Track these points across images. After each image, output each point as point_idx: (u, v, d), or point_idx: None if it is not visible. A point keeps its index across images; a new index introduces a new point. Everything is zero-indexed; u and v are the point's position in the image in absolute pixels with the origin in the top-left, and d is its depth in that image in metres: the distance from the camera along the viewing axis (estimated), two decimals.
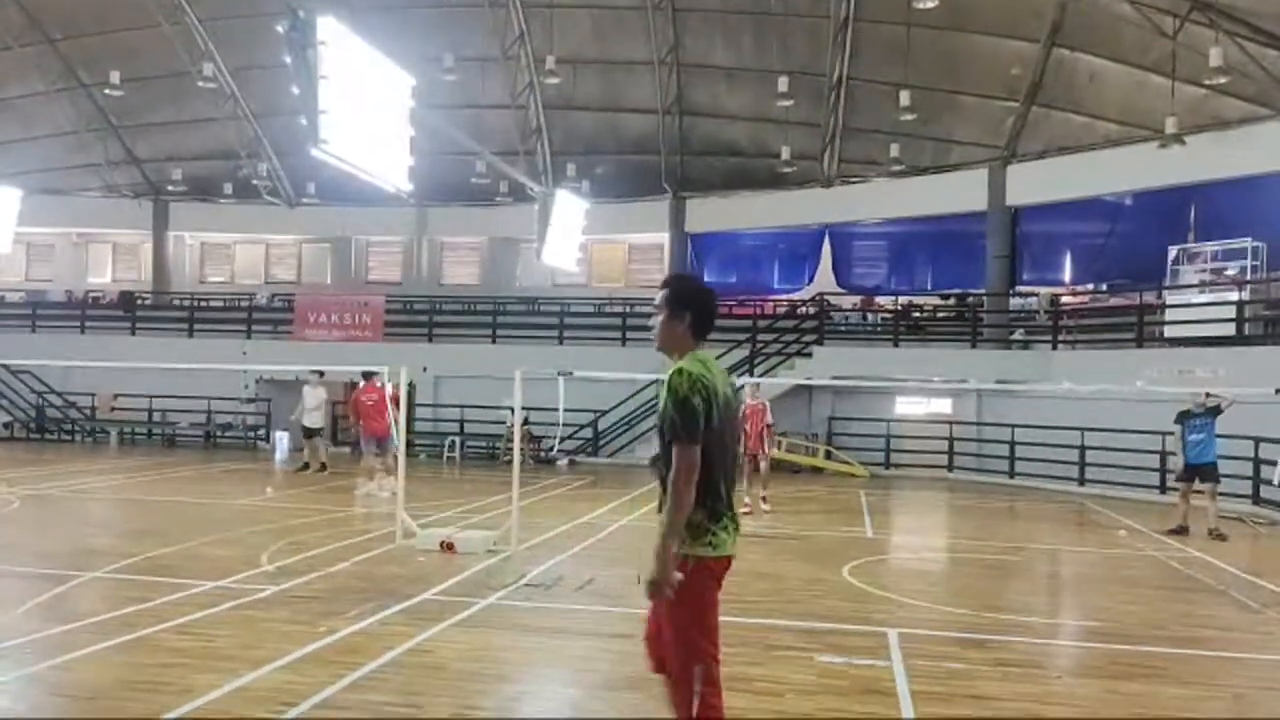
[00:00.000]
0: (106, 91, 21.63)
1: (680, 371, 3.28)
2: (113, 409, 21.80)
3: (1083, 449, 15.94)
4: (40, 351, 21.27)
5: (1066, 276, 20.46)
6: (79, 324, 23.24)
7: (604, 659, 5.57)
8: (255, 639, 5.73)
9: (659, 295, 3.54)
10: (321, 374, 15.82)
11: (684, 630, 3.32)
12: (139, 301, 24.85)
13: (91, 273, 27.81)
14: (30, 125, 24.27)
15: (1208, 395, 11.18)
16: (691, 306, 3.46)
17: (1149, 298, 17.71)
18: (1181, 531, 11.01)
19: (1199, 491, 11.10)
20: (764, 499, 12.41)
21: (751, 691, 4.92)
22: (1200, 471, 10.95)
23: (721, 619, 6.19)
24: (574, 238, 13.41)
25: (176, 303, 24.87)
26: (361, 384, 13.53)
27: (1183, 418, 11.14)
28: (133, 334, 22.73)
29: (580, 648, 5.83)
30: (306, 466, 15.70)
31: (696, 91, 21.84)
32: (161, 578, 7.41)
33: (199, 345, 21.55)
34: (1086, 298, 20.43)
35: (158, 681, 4.90)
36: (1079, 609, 7.82)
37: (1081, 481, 15.90)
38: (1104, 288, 20.12)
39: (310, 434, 15.81)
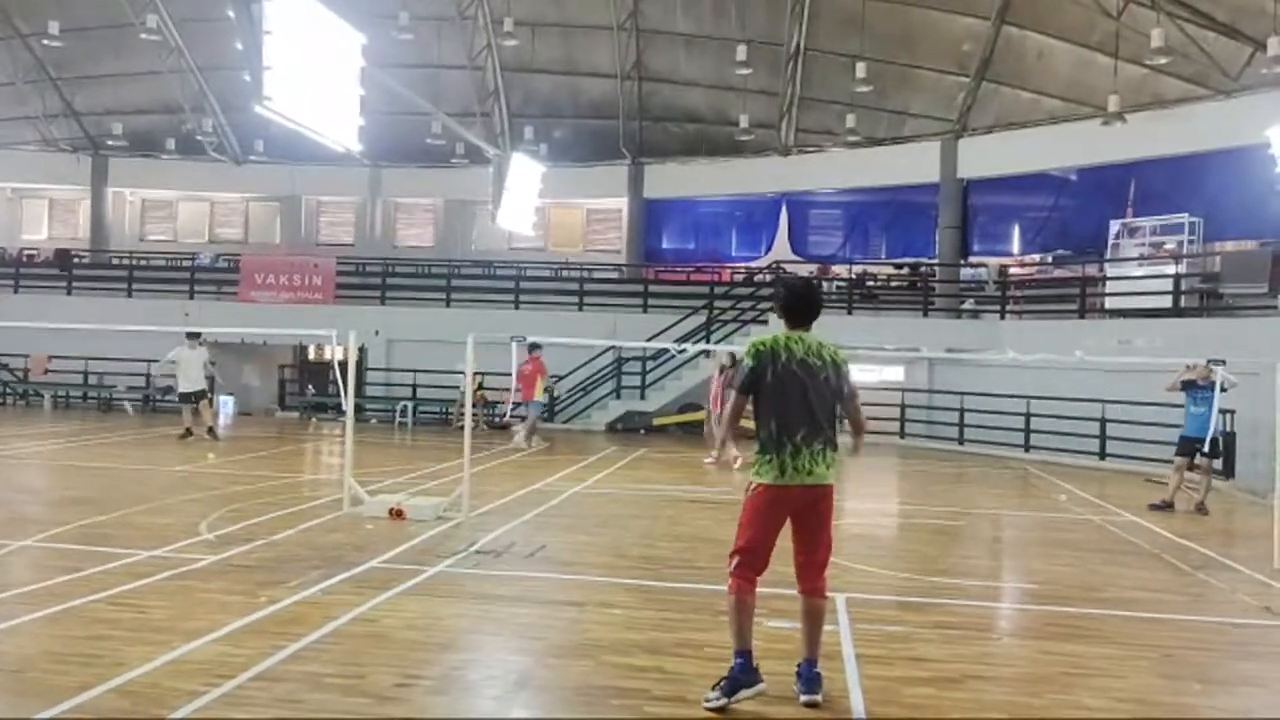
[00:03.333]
0: (45, 42, 20.65)
1: (752, 342, 4.50)
2: (46, 371, 21.09)
3: (1028, 416, 16.34)
4: None
5: (1014, 248, 20.83)
6: (12, 283, 22.38)
7: (553, 626, 5.56)
8: (191, 610, 5.59)
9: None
10: (197, 335, 15.00)
11: (741, 524, 4.51)
12: (76, 260, 23.98)
13: (26, 230, 26.75)
14: None
15: (1210, 365, 10.09)
16: (779, 303, 4.79)
17: (1091, 270, 18.13)
18: (1167, 508, 10.53)
19: (1196, 466, 10.63)
20: (735, 459, 12.74)
21: (700, 658, 4.97)
22: (1199, 445, 10.39)
23: (666, 585, 6.22)
24: (530, 201, 13.30)
25: (116, 262, 24.04)
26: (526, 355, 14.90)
27: (1187, 387, 10.57)
28: (69, 294, 21.97)
29: (529, 615, 5.81)
30: (189, 433, 14.74)
31: (656, 57, 21.58)
32: (94, 547, 7.21)
33: (139, 306, 20.86)
34: (1033, 269, 20.83)
35: (88, 654, 4.76)
36: (1018, 572, 8.03)
37: (1026, 448, 16.31)
38: (1049, 259, 20.53)
39: (186, 398, 14.89)
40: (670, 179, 23.21)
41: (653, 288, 21.40)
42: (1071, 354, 12.57)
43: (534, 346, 14.96)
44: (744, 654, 4.33)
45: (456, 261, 23.11)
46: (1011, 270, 20.56)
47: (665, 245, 24.36)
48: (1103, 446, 15.08)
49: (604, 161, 23.13)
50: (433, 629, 5.43)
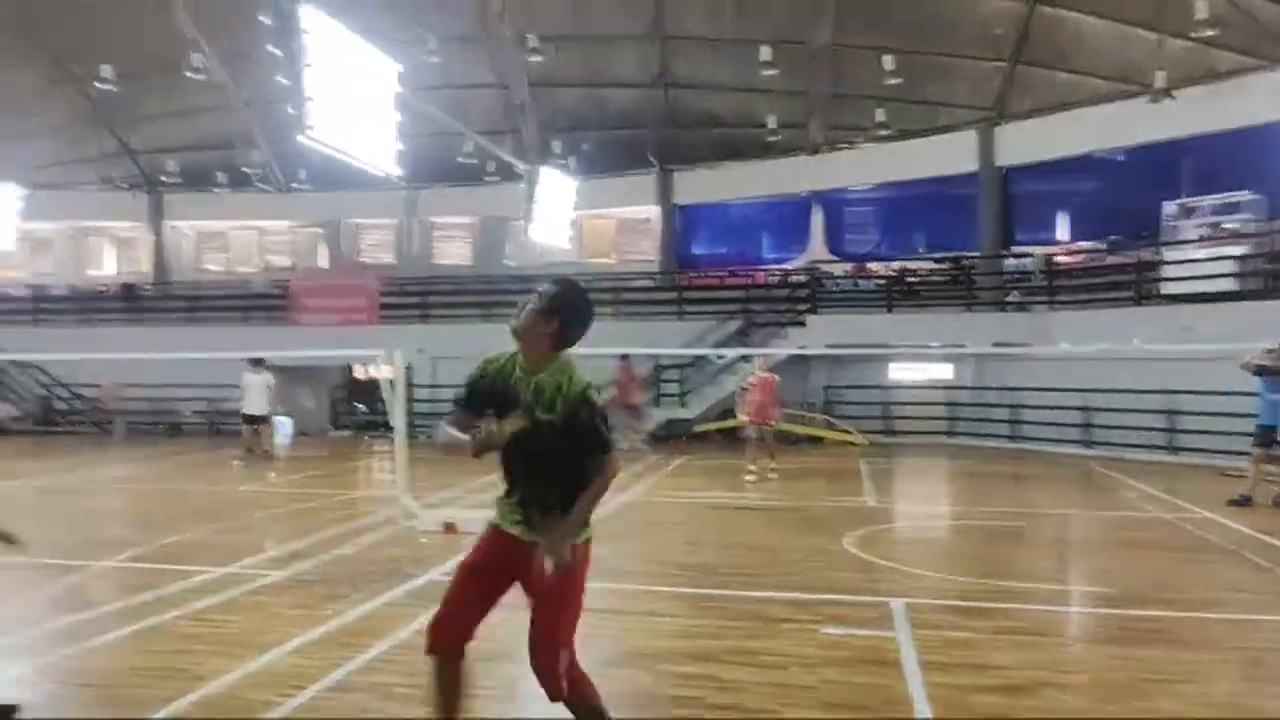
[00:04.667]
0: (98, 85, 21.44)
1: (588, 384, 3.40)
2: (118, 400, 21.83)
3: (1087, 410, 15.85)
4: (45, 345, 21.26)
5: (1060, 236, 20.40)
6: (82, 316, 23.28)
7: (605, 635, 5.63)
8: (264, 623, 5.80)
9: (543, 290, 3.45)
10: (260, 361, 15.47)
11: (571, 609, 3.56)
12: (140, 293, 24.83)
13: (92, 265, 27.74)
14: (25, 121, 24.02)
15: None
16: (576, 323, 3.45)
17: (1145, 255, 17.63)
18: (1245, 502, 9.96)
19: (1276, 457, 10.03)
20: (772, 470, 12.85)
21: (754, 665, 4.99)
22: (1278, 434, 9.87)
23: (721, 592, 6.20)
24: (564, 214, 13.44)
25: (176, 293, 24.83)
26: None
27: (1262, 372, 9.94)
28: (135, 325, 22.74)
29: (581, 624, 5.88)
30: (250, 451, 15.08)
31: (681, 64, 21.63)
32: (171, 565, 7.48)
33: (200, 333, 21.53)
34: (1082, 257, 20.40)
35: (171, 668, 4.97)
36: (1086, 574, 7.78)
37: (1088, 444, 15.82)
38: (1100, 246, 20.07)
39: (251, 420, 15.33)
40: (700, 184, 23.22)
41: (687, 294, 21.42)
42: (1130, 343, 12.17)
43: (624, 356, 16.60)
44: None
45: (494, 277, 23.40)
46: (1059, 259, 20.15)
47: (698, 251, 24.37)
48: (1171, 439, 14.54)
49: (633, 170, 23.23)
50: (490, 640, 5.49)
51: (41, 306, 23.93)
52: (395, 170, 8.05)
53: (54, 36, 21.95)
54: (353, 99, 7.40)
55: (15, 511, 10.60)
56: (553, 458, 3.41)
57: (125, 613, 6.05)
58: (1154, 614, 6.11)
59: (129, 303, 23.96)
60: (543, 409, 3.36)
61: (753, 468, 12.87)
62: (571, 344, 3.47)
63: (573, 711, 3.61)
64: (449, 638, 3.65)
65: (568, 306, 3.40)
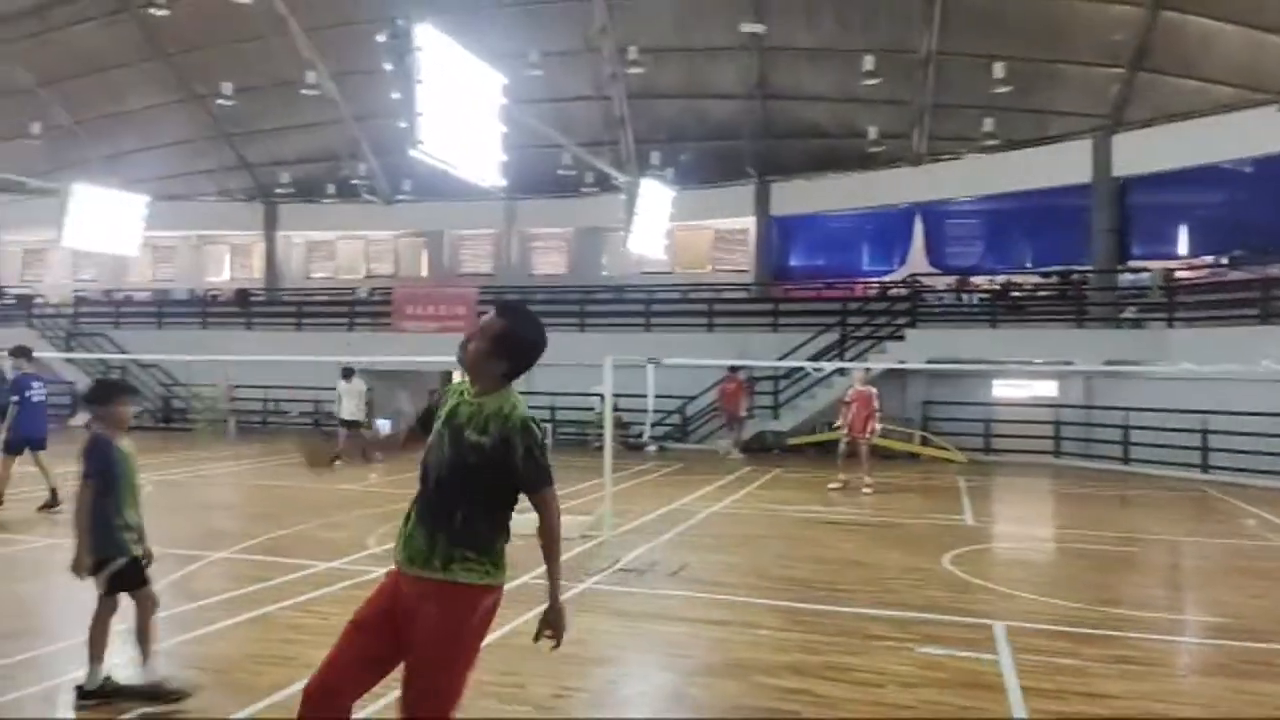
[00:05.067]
0: (219, 101, 22.86)
1: (527, 418, 3.13)
2: (231, 399, 23.05)
3: (1205, 433, 15.04)
4: (166, 346, 22.68)
5: (1181, 250, 19.33)
6: (200, 320, 24.71)
7: (700, 645, 5.62)
8: None
9: (489, 316, 3.28)
10: (351, 372, 16.03)
11: (464, 666, 3.08)
12: (253, 298, 26.21)
13: (210, 272, 29.42)
14: (151, 136, 25.84)
15: None
16: (520, 356, 3.23)
17: (1274, 271, 16.56)
18: None
19: None
20: (867, 485, 12.72)
21: (850, 682, 4.89)
22: None
23: (815, 607, 6.10)
24: (660, 225, 13.49)
25: (286, 299, 26.10)
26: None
27: None
28: (248, 329, 23.99)
29: (676, 633, 5.90)
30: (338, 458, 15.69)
31: (780, 75, 21.52)
32: (279, 558, 7.85)
33: (307, 338, 22.56)
34: (1204, 272, 19.25)
35: (282, 655, 5.22)
36: (1202, 603, 7.42)
37: (1204, 468, 15.02)
38: (1223, 261, 18.91)
39: (346, 425, 15.83)
40: (798, 195, 22.99)
41: (783, 306, 21.20)
42: (1256, 363, 11.51)
43: (734, 368, 17.33)
44: None
45: (589, 287, 23.69)
46: (1179, 274, 19.09)
47: (794, 262, 24.11)
48: None
49: (730, 182, 23.18)
50: (584, 644, 5.60)
51: (164, 310, 25.50)
52: (500, 181, 8.26)
53: (180, 57, 23.51)
54: (460, 113, 7.63)
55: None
56: (462, 475, 3.09)
57: (237, 602, 6.38)
58: (1272, 647, 5.78)
59: (242, 308, 25.29)
60: (475, 430, 3.10)
61: (843, 477, 13.05)
62: (519, 375, 3.25)
63: None
64: (319, 709, 3.11)
65: (515, 349, 3.20)
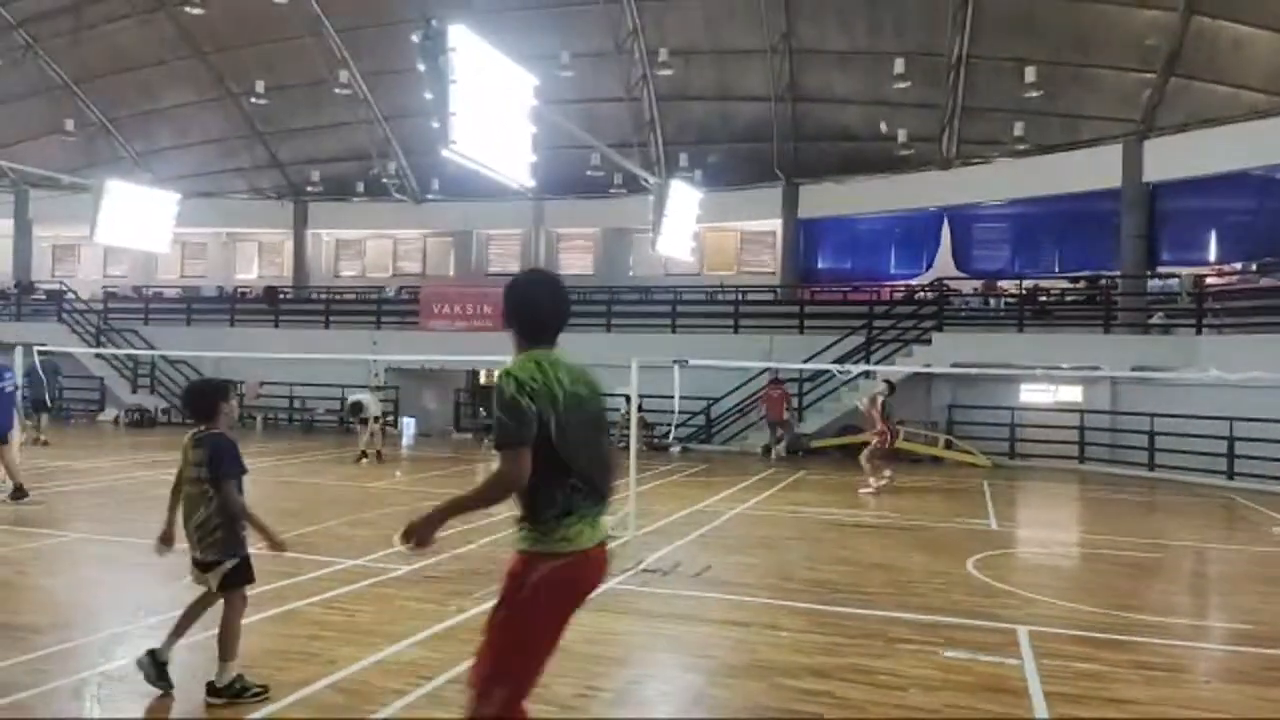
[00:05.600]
0: (252, 100, 23.19)
1: (505, 374, 3.02)
2: (258, 396, 23.37)
3: (1231, 440, 14.90)
4: (195, 343, 23.06)
5: (1211, 256, 19.09)
6: (229, 317, 25.04)
7: (723, 646, 5.66)
8: (392, 615, 6.10)
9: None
10: (360, 406, 15.87)
11: (505, 637, 3.04)
12: (281, 296, 26.54)
13: (239, 269, 29.80)
14: (184, 133, 26.27)
15: None
16: (514, 314, 3.18)
17: None
18: None
19: None
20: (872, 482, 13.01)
21: (873, 684, 4.91)
22: None
23: (839, 610, 6.08)
24: (688, 227, 13.55)
25: (314, 297, 26.40)
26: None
27: None
28: (276, 326, 24.29)
29: (699, 634, 5.94)
30: (364, 455, 15.57)
31: (809, 77, 21.50)
32: (306, 555, 7.94)
33: (334, 336, 22.83)
34: (1234, 278, 18.99)
35: (306, 652, 5.30)
36: (1227, 610, 7.37)
37: (1230, 475, 14.88)
38: (1253, 267, 18.65)
39: (363, 419, 15.90)
40: (825, 198, 22.95)
41: (809, 308, 21.17)
42: None
43: (776, 378, 18.17)
44: None
45: (616, 287, 23.78)
46: (1209, 280, 18.85)
47: (821, 265, 24.06)
48: None
49: (758, 184, 23.18)
50: (608, 644, 5.66)
51: (193, 307, 25.86)
52: (529, 182, 8.35)
53: (215, 55, 23.87)
54: (492, 113, 7.73)
55: (162, 500, 11.48)
56: None
57: (264, 598, 6.44)
58: None
59: (270, 305, 25.61)
60: None
61: (871, 481, 13.19)
62: (537, 340, 3.14)
63: None
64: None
65: (511, 309, 3.18)
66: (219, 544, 4.62)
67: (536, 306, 3.18)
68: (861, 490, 12.93)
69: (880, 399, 13.40)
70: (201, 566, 4.64)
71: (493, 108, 7.78)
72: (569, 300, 3.29)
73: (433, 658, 5.23)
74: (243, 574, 4.72)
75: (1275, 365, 11.93)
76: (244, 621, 5.86)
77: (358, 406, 15.90)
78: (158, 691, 4.59)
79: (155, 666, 4.58)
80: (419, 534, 3.08)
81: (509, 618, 3.04)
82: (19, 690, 4.49)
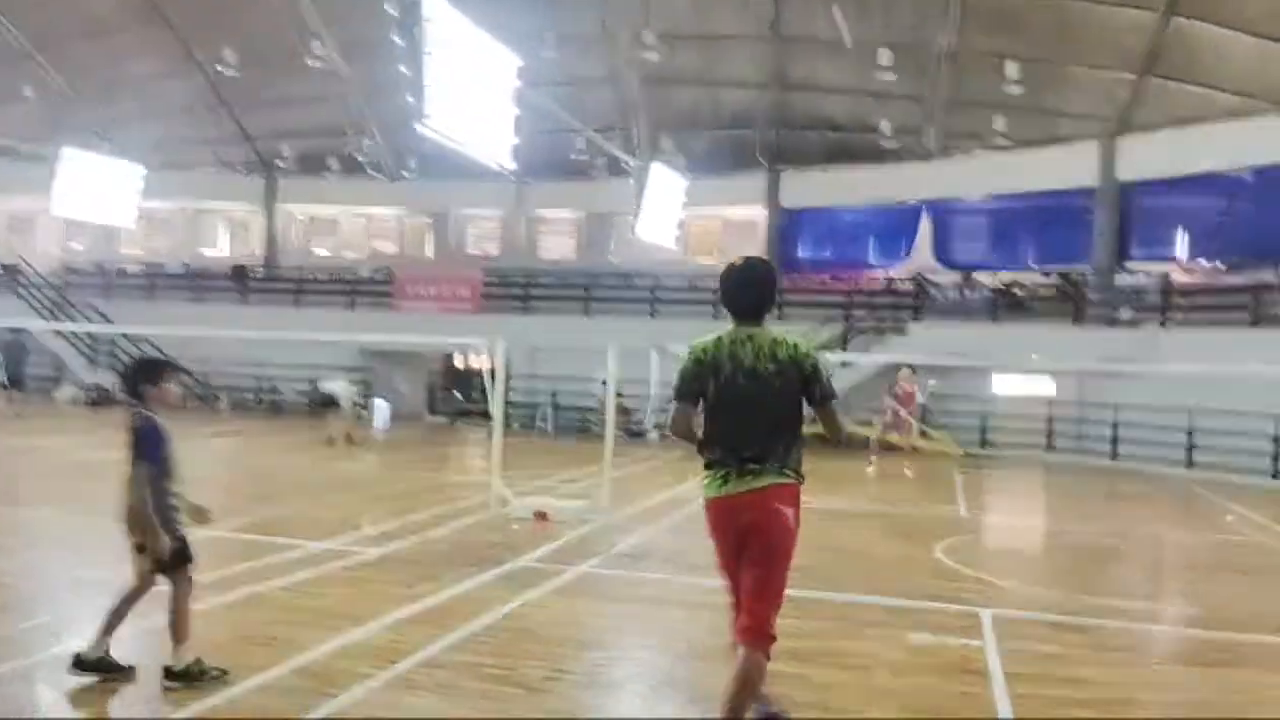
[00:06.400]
0: (220, 70, 22.53)
1: (692, 342, 3.84)
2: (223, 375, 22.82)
3: (1190, 431, 15.22)
4: (158, 320, 22.59)
5: (1179, 254, 19.38)
6: (194, 294, 24.55)
7: (693, 629, 5.67)
8: (358, 599, 6.00)
9: None
10: (332, 401, 15.95)
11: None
12: (250, 274, 26.08)
13: (206, 245, 29.23)
14: (149, 103, 25.46)
15: None
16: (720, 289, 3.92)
17: (1266, 277, 16.69)
18: None
19: None
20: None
21: (841, 666, 4.95)
22: None
23: (810, 594, 6.19)
24: (671, 213, 13.50)
25: (285, 275, 25.98)
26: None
27: None
28: (244, 304, 23.89)
29: (670, 617, 5.95)
30: (332, 440, 15.45)
31: (796, 65, 21.46)
32: (272, 538, 7.80)
33: (305, 315, 22.50)
34: (1199, 276, 19.32)
35: (271, 636, 5.18)
36: (1181, 595, 7.55)
37: (1189, 464, 15.24)
38: (1219, 266, 18.98)
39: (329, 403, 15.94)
40: (808, 187, 22.97)
41: (789, 296, 21.19)
42: (1244, 365, 11.71)
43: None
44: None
45: (596, 272, 23.67)
46: (1176, 277, 19.15)
47: (802, 254, 24.09)
48: (1276, 464, 13.84)
49: (741, 171, 23.15)
50: (578, 626, 5.65)
51: (155, 283, 25.25)
52: (510, 164, 8.26)
53: (179, 21, 23.02)
54: (470, 91, 7.61)
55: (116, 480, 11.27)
56: None
57: (228, 581, 6.34)
58: (1255, 638, 5.90)
59: (238, 283, 25.12)
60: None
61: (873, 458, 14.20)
62: (733, 316, 3.90)
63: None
64: None
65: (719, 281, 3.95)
66: (144, 527, 4.42)
67: (722, 288, 3.90)
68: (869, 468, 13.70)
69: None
70: (137, 549, 4.46)
71: (472, 85, 7.67)
72: (755, 288, 3.92)
73: (399, 641, 5.16)
74: (181, 555, 4.54)
75: (1235, 360, 12.22)
76: (204, 606, 5.77)
77: (330, 400, 15.65)
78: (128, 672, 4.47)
79: (94, 664, 4.42)
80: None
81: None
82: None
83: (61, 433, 16.06)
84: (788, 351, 3.69)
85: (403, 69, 6.79)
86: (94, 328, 23.11)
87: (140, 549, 4.46)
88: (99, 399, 22.21)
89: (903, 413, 14.36)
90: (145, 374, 4.65)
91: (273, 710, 4.14)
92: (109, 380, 23.07)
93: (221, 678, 4.43)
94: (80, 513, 8.63)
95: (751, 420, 3.62)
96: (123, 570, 6.48)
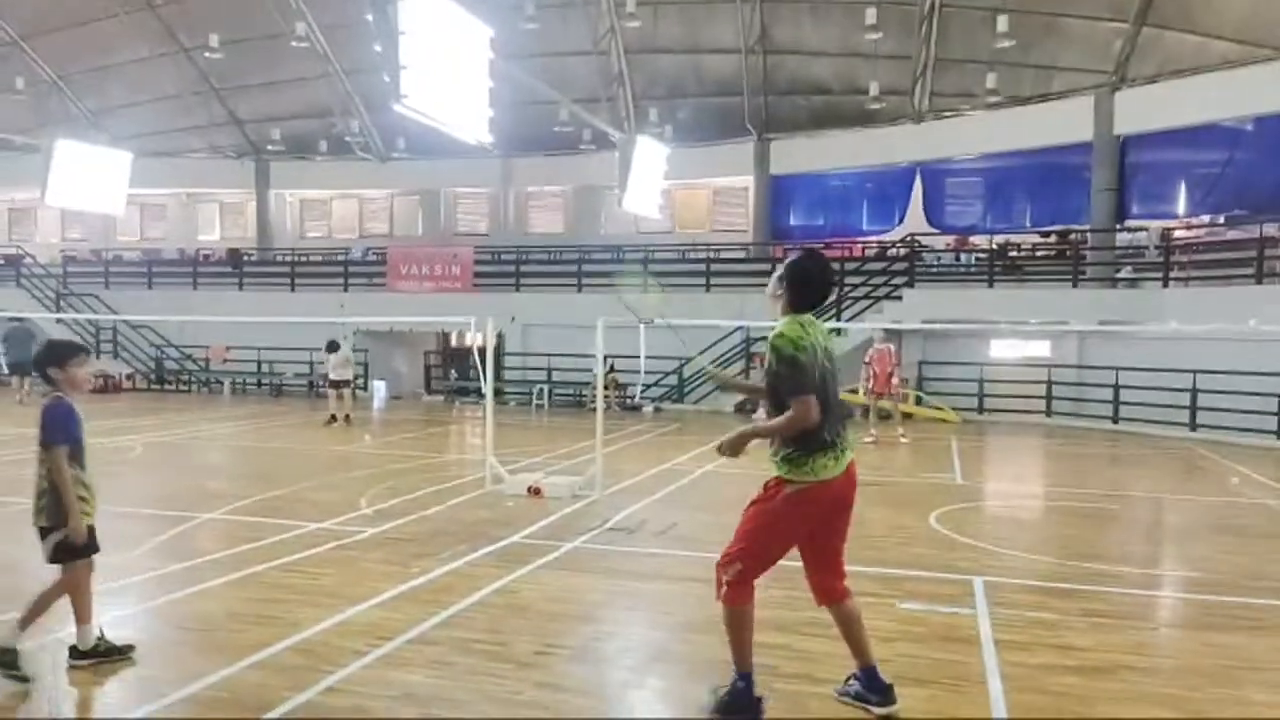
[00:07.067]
0: (206, 54, 22.38)
1: (779, 335, 3.84)
2: (225, 360, 23.06)
3: (1194, 392, 15.14)
4: (157, 307, 22.64)
5: (1180, 209, 19.19)
6: (191, 280, 24.56)
7: (684, 602, 5.68)
8: (354, 577, 6.07)
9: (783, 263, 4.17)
10: (334, 345, 15.95)
11: (756, 528, 3.92)
12: (245, 258, 26.04)
13: (201, 231, 29.20)
14: (138, 90, 25.38)
15: None
16: (790, 282, 4.01)
17: (1270, 230, 16.49)
18: None
19: None
20: (903, 437, 13.89)
21: (828, 637, 4.91)
22: None
23: (799, 564, 6.17)
24: (655, 184, 13.36)
25: (279, 258, 25.94)
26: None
27: None
28: (240, 289, 23.88)
29: (661, 591, 5.97)
30: (333, 419, 15.56)
31: (780, 28, 21.17)
32: (270, 519, 7.90)
33: (300, 299, 22.49)
34: (1202, 231, 19.15)
35: (267, 615, 5.27)
36: (1179, 559, 7.52)
37: (1193, 426, 15.14)
38: (1221, 220, 18.80)
39: (335, 385, 15.96)
40: (797, 153, 22.78)
41: (780, 266, 21.07)
42: (1245, 323, 11.58)
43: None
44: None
45: (586, 247, 23.57)
46: (1176, 233, 18.99)
47: (793, 222, 23.94)
48: None
49: (729, 140, 22.95)
50: (570, 601, 5.67)
51: (154, 270, 25.29)
52: (487, 138, 8.14)
53: (166, 7, 22.93)
54: (447, 66, 7.50)
55: (128, 465, 11.44)
56: (769, 398, 3.94)
57: (225, 562, 6.43)
58: (1248, 601, 5.87)
59: (234, 267, 25.13)
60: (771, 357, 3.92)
61: (874, 432, 13.97)
62: (803, 307, 3.98)
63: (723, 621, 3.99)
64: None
65: (792, 275, 3.99)
66: (48, 512, 4.34)
67: (807, 281, 3.98)
68: (901, 441, 13.74)
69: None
70: (40, 534, 4.38)
71: (447, 60, 7.54)
72: (833, 278, 4.28)
73: (393, 618, 5.22)
74: (88, 545, 4.43)
75: (1239, 317, 12.07)
76: (201, 586, 5.84)
77: (334, 345, 15.76)
78: (123, 660, 4.48)
79: (90, 651, 4.43)
80: (730, 446, 3.92)
81: (759, 514, 3.92)
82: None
83: None
84: (828, 336, 4.11)
85: (377, 48, 6.66)
86: (96, 316, 23.18)
87: (46, 532, 4.35)
88: (104, 386, 22.29)
89: (893, 380, 14.18)
90: (51, 358, 4.53)
91: (269, 687, 4.21)
92: (114, 368, 23.21)
93: (128, 653, 4.46)
94: None
95: (837, 399, 3.98)
96: (127, 557, 6.55)
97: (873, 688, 4.01)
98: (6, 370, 19.53)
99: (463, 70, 7.76)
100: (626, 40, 21.94)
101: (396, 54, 6.71)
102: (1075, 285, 18.17)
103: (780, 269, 4.06)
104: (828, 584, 4.04)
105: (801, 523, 3.89)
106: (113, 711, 4.02)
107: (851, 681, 4.11)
